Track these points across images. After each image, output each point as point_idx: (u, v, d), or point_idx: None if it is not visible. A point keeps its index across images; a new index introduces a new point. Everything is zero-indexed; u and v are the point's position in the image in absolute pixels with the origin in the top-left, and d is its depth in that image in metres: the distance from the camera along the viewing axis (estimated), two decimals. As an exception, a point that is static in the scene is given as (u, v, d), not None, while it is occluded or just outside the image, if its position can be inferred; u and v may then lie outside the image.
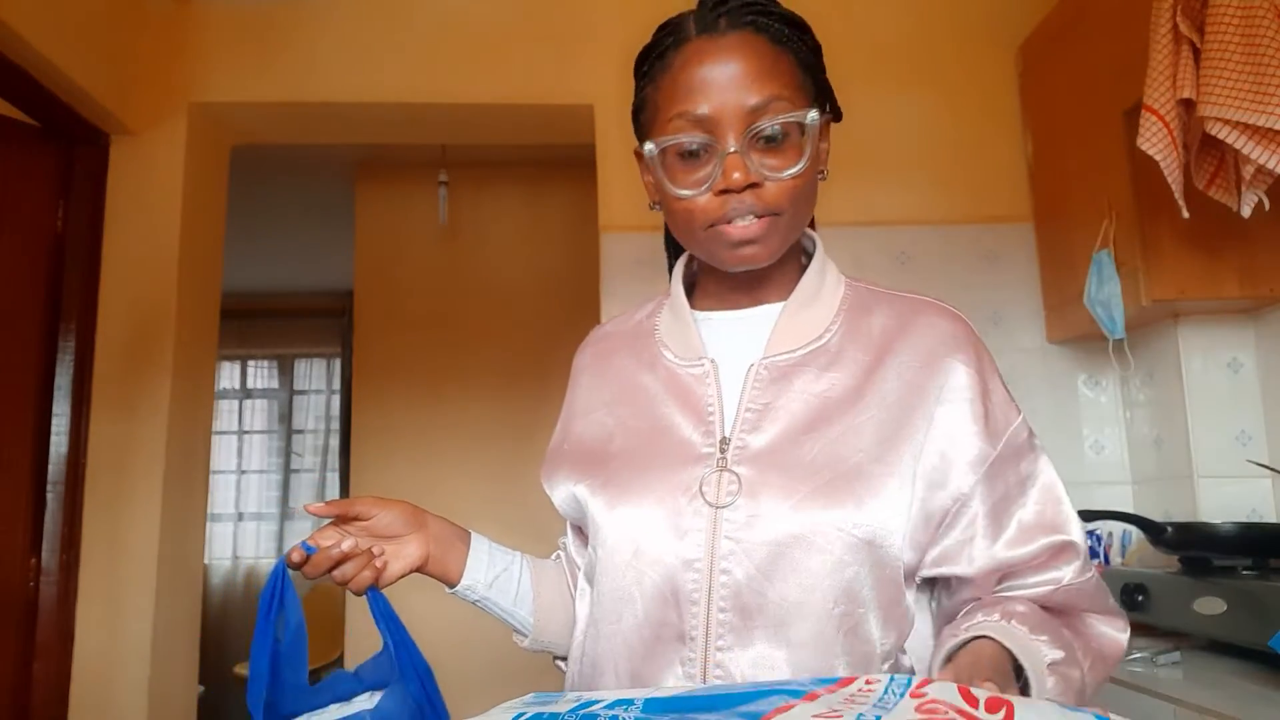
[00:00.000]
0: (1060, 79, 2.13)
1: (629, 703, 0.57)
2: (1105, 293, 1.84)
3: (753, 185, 0.77)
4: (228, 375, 5.53)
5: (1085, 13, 2.00)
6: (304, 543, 0.85)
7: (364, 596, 0.88)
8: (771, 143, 0.77)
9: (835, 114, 0.88)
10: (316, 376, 5.63)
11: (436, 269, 3.66)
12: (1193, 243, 1.75)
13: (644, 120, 0.85)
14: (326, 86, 2.38)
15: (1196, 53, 1.49)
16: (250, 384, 5.62)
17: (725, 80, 0.77)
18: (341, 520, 0.88)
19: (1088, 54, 1.98)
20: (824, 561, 0.75)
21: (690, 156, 0.79)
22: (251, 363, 5.61)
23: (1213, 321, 1.92)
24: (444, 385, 3.55)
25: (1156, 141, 1.51)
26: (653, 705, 0.56)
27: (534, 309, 3.62)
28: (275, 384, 5.62)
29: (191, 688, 2.39)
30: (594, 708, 0.58)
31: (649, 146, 0.80)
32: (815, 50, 0.85)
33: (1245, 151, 1.41)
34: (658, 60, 0.83)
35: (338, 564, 0.85)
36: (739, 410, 0.82)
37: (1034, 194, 2.28)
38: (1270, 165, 1.39)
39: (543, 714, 0.56)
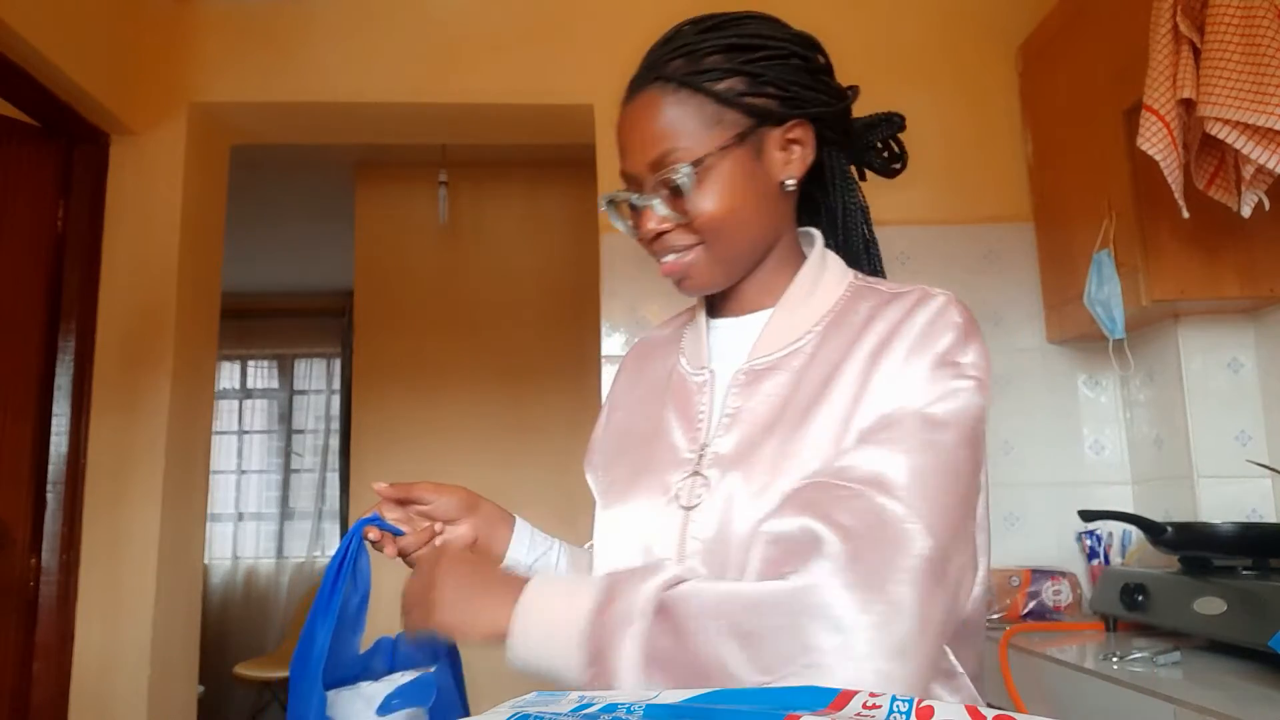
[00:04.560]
0: (1060, 79, 2.13)
1: (631, 707, 0.57)
2: (1105, 293, 1.84)
3: (662, 232, 0.85)
4: (228, 375, 5.54)
5: (1085, 13, 2.00)
6: (376, 515, 0.94)
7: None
8: (679, 190, 0.83)
9: (787, 115, 0.87)
10: (316, 376, 5.63)
11: (436, 269, 3.66)
12: (1193, 243, 1.75)
13: None
14: (326, 86, 2.38)
15: (1196, 53, 1.49)
16: (250, 384, 5.62)
17: (633, 141, 0.86)
18: (402, 503, 0.96)
19: (1088, 54, 1.98)
20: (765, 566, 0.76)
21: (631, 206, 0.88)
22: (251, 363, 5.62)
23: (1213, 321, 1.92)
24: (444, 385, 3.55)
25: (1156, 141, 1.51)
26: (655, 711, 0.56)
27: (534, 309, 3.63)
28: (275, 384, 5.62)
29: (191, 688, 2.39)
30: (593, 708, 0.58)
31: (600, 200, 0.91)
32: (758, 62, 0.85)
33: (1245, 151, 1.41)
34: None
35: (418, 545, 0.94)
36: (719, 416, 0.87)
37: (1034, 194, 2.28)
38: (1270, 165, 1.39)
39: (544, 714, 0.56)
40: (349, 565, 0.89)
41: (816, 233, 0.95)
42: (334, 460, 5.40)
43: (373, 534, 0.93)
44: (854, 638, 0.66)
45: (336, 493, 5.26)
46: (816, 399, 0.81)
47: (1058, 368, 2.21)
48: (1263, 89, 1.37)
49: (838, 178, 0.95)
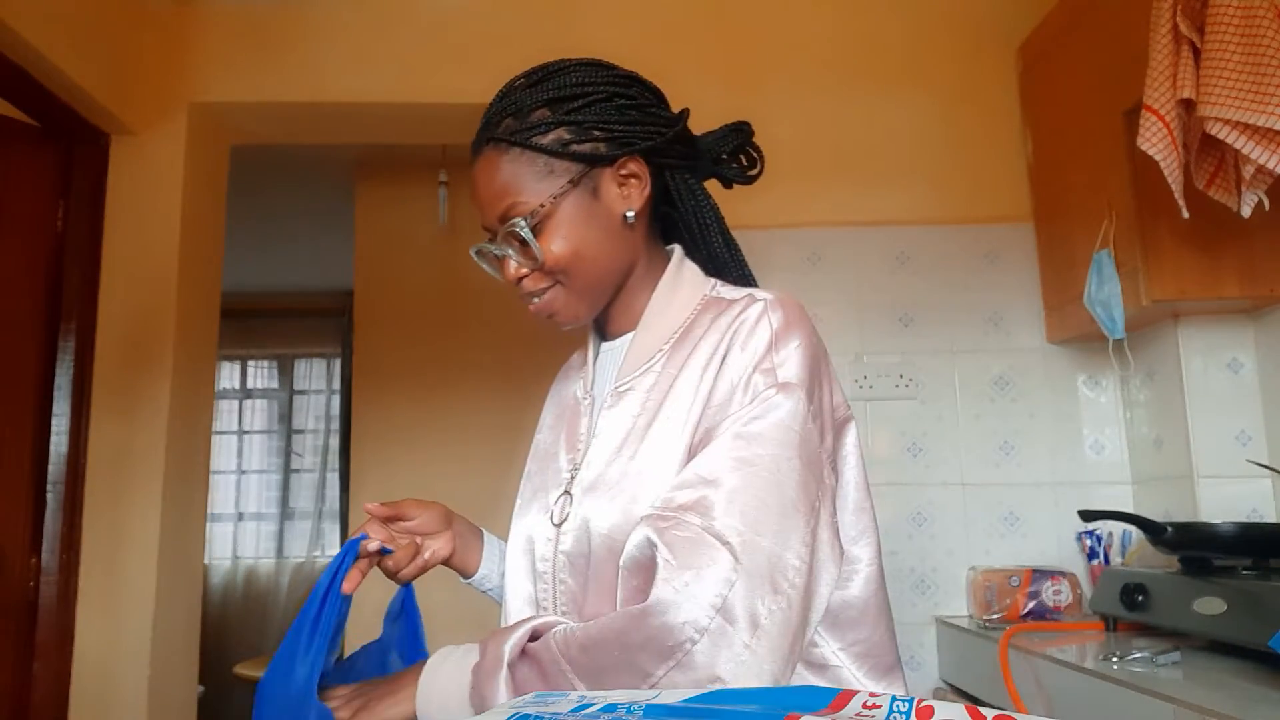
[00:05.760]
0: (1060, 79, 2.13)
1: (631, 707, 0.57)
2: (1105, 293, 1.84)
3: (522, 277, 0.93)
4: (228, 375, 5.53)
5: (1085, 13, 2.00)
6: (365, 535, 0.96)
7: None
8: (525, 242, 0.90)
9: (616, 154, 0.92)
10: (316, 376, 5.63)
11: (436, 269, 3.66)
12: (1193, 243, 1.75)
13: None
14: (326, 86, 2.38)
15: (1196, 53, 1.49)
16: (250, 384, 5.62)
17: (481, 200, 0.94)
18: (389, 520, 1.00)
19: (1088, 54, 1.98)
20: (613, 571, 0.83)
21: (495, 255, 0.95)
22: (251, 363, 5.61)
23: (1213, 321, 1.92)
24: (444, 385, 3.55)
25: (1156, 141, 1.51)
26: (655, 711, 0.57)
27: (534, 309, 3.62)
28: (275, 384, 5.62)
29: (191, 688, 2.40)
30: (593, 708, 0.58)
31: (470, 251, 0.97)
32: (580, 110, 0.91)
33: (1245, 151, 1.40)
34: None
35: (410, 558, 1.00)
36: (589, 438, 0.94)
37: (1034, 194, 2.27)
38: (1270, 165, 1.39)
39: (544, 714, 0.56)
40: (339, 584, 0.90)
41: (676, 249, 1.01)
42: (334, 460, 5.40)
43: (373, 545, 0.95)
44: (689, 658, 0.72)
45: (336, 493, 5.25)
46: (656, 414, 0.88)
47: (1058, 368, 2.21)
48: (1263, 89, 1.37)
49: (684, 196, 1.00)
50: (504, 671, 0.76)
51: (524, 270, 0.92)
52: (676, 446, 0.84)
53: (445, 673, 0.80)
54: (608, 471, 0.88)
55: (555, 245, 0.90)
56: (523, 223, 0.89)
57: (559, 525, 0.91)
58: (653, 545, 0.77)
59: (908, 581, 2.11)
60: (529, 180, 0.90)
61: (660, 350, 0.93)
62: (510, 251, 0.92)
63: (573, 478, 0.93)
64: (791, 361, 0.84)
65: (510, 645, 0.78)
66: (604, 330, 1.02)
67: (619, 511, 0.84)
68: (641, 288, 0.98)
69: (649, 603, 0.74)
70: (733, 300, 0.92)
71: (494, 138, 0.92)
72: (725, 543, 0.75)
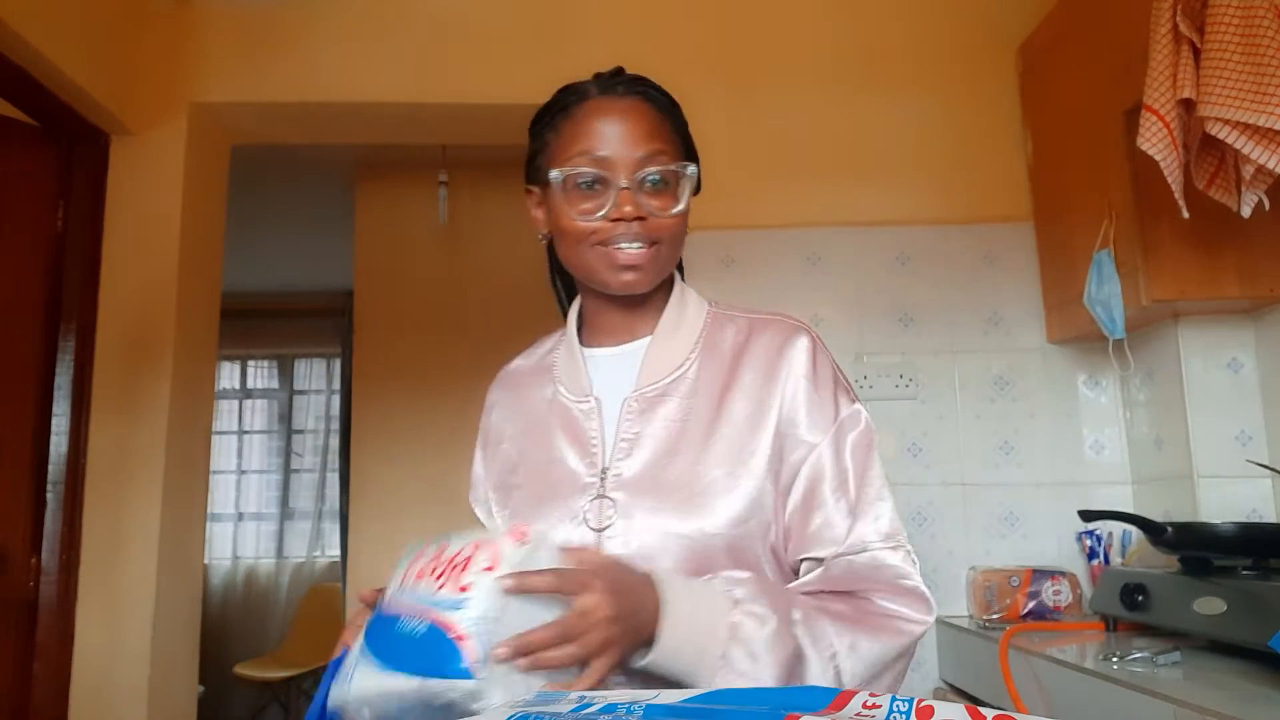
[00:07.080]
0: (1060, 79, 2.13)
1: (630, 706, 0.57)
2: (1105, 293, 1.84)
3: (640, 218, 0.91)
4: (228, 375, 5.54)
5: (1085, 13, 2.00)
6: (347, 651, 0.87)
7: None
8: (656, 186, 0.92)
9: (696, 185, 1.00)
10: (316, 376, 5.63)
11: (436, 269, 3.66)
12: (1193, 243, 1.75)
13: (543, 159, 0.98)
14: (326, 86, 2.38)
15: (1196, 53, 1.49)
16: (250, 384, 5.62)
17: (620, 132, 0.92)
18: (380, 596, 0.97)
19: (1088, 54, 1.98)
20: (688, 569, 0.86)
21: (588, 188, 0.92)
22: (251, 363, 5.62)
23: (1213, 321, 1.92)
24: (444, 385, 3.55)
25: (1156, 141, 1.51)
26: (655, 710, 0.57)
27: (534, 309, 3.61)
28: (275, 384, 5.63)
29: (191, 688, 2.40)
30: (592, 708, 0.58)
31: (554, 174, 0.93)
32: (686, 125, 1.01)
33: (1245, 151, 1.40)
34: (560, 112, 0.98)
35: None
36: (615, 441, 0.94)
37: (1034, 194, 2.27)
38: (1270, 165, 1.39)
39: (544, 713, 0.56)
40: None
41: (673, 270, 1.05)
42: (334, 460, 5.40)
43: None
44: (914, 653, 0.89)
45: (336, 493, 5.25)
46: (714, 422, 0.92)
47: (1058, 368, 2.21)
48: (1263, 89, 1.37)
49: None
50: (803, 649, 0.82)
51: (641, 213, 0.92)
52: (751, 453, 0.90)
53: (702, 614, 0.80)
54: (665, 475, 0.90)
55: (679, 206, 0.94)
56: (693, 168, 0.95)
57: (601, 530, 0.89)
58: (900, 572, 0.89)
59: (908, 581, 2.11)
60: (674, 142, 0.96)
61: (687, 359, 0.96)
62: (641, 192, 0.92)
63: (603, 481, 0.92)
64: (844, 376, 0.96)
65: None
66: (588, 335, 1.03)
67: (696, 513, 0.87)
68: (662, 294, 1.01)
69: (915, 629, 0.88)
70: (759, 320, 0.99)
71: (644, 93, 0.96)
72: (907, 562, 0.91)
